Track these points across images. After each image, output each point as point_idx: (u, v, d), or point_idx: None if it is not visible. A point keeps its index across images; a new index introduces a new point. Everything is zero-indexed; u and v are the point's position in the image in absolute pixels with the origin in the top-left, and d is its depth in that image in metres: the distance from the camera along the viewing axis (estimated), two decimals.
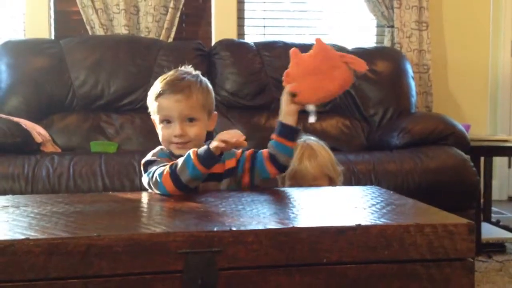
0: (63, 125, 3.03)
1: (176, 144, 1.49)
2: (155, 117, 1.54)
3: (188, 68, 1.57)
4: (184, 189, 1.34)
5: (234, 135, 1.36)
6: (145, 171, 1.46)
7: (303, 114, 1.47)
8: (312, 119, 1.44)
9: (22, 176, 2.31)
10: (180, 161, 1.36)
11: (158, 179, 1.36)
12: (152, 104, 1.53)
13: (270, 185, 1.61)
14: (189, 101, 1.49)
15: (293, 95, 1.43)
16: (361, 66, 1.48)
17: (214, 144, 1.34)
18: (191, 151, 1.36)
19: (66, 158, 2.41)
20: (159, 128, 1.53)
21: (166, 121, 1.50)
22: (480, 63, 3.97)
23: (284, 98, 1.45)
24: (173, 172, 1.34)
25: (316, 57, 1.47)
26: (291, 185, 1.71)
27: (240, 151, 1.54)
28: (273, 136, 1.48)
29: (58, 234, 0.94)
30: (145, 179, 1.43)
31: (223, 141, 1.34)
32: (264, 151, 1.50)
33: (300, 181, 1.72)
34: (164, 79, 1.52)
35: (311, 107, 1.44)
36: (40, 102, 3.04)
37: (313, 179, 1.72)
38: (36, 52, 3.13)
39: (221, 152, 1.37)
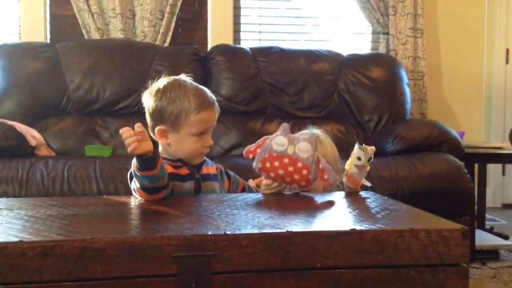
0: (58, 128, 3.02)
1: (204, 154, 1.56)
2: (178, 128, 1.50)
3: (188, 77, 1.59)
4: (158, 191, 1.36)
5: (127, 135, 1.32)
6: (132, 179, 1.45)
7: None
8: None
9: (16, 179, 2.30)
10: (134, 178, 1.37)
11: (137, 195, 1.39)
12: (182, 117, 1.49)
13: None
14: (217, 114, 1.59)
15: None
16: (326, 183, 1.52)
17: (130, 150, 1.31)
18: (133, 165, 1.36)
19: (61, 162, 2.40)
20: (187, 140, 1.50)
21: (201, 133, 1.52)
22: (474, 71, 3.98)
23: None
24: (140, 188, 1.36)
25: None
26: None
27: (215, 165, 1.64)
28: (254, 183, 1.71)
29: (52, 236, 0.94)
30: (132, 188, 1.45)
31: (129, 143, 1.31)
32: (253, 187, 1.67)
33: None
34: (196, 91, 1.52)
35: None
36: (35, 105, 3.03)
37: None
38: (32, 55, 3.12)
39: (151, 149, 1.33)
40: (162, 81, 1.55)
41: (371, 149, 1.49)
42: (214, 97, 1.57)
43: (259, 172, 1.49)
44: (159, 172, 1.35)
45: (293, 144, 1.45)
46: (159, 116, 1.52)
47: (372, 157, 1.49)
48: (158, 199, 1.36)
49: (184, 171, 1.51)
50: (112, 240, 0.92)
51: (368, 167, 1.50)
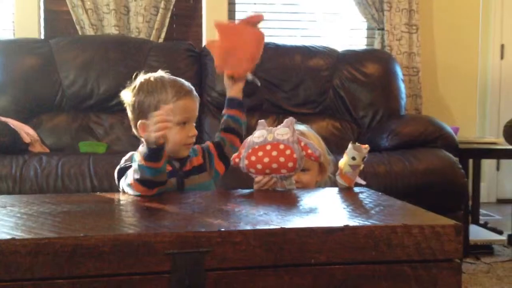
0: (52, 125, 3.01)
1: (189, 145, 1.55)
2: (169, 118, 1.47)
3: (163, 72, 1.59)
4: (156, 185, 1.36)
5: (158, 119, 1.32)
6: (120, 177, 1.46)
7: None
8: (256, 82, 1.68)
9: (9, 176, 2.29)
10: (134, 169, 1.36)
11: (130, 190, 1.38)
12: (160, 107, 1.47)
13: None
14: (198, 104, 1.59)
15: (231, 77, 1.64)
16: (259, 17, 1.61)
17: (152, 138, 1.32)
18: (136, 156, 1.37)
19: (54, 159, 2.39)
20: (173, 131, 1.48)
21: (183, 123, 1.52)
22: (469, 66, 3.99)
23: (227, 83, 1.67)
24: (138, 180, 1.34)
25: (224, 40, 1.60)
26: None
27: (200, 147, 1.63)
28: (226, 111, 1.68)
29: (45, 234, 0.93)
30: (122, 184, 1.44)
31: (159, 129, 1.32)
32: (222, 134, 1.66)
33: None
34: (172, 82, 1.53)
35: (249, 76, 1.66)
36: (29, 102, 3.02)
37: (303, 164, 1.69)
38: (25, 51, 3.11)
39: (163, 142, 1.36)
40: (139, 78, 1.57)
41: (365, 148, 1.49)
42: (192, 87, 1.57)
43: (247, 171, 1.48)
44: (162, 166, 1.36)
45: (271, 132, 1.47)
46: (139, 110, 1.52)
47: (367, 156, 1.49)
48: (152, 194, 1.35)
49: (167, 168, 1.50)
50: (105, 237, 0.92)
51: (362, 166, 1.50)
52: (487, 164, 4.05)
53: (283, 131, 1.47)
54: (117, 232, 0.95)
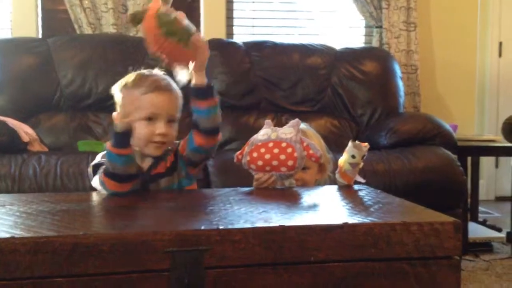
0: (50, 124, 3.01)
1: (156, 143, 1.47)
2: (132, 114, 1.47)
3: (157, 70, 1.57)
4: (126, 179, 1.36)
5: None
6: (95, 173, 1.45)
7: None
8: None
9: (8, 175, 2.29)
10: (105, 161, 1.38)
11: (102, 187, 1.38)
12: (131, 101, 1.48)
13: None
14: (176, 102, 1.51)
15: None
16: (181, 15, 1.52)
17: (118, 124, 1.38)
18: (106, 145, 1.38)
19: (53, 158, 2.39)
20: (138, 126, 1.46)
21: (148, 118, 1.47)
22: (467, 64, 3.99)
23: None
24: (106, 172, 1.36)
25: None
26: None
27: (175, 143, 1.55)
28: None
29: (44, 233, 0.93)
30: (95, 181, 1.44)
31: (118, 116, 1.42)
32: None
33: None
34: (148, 78, 1.51)
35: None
36: (27, 101, 3.02)
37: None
38: (23, 51, 3.11)
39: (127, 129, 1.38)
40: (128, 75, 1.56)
41: (365, 146, 1.49)
42: (172, 85, 1.51)
43: (248, 167, 1.49)
44: (130, 154, 1.36)
45: (276, 131, 1.49)
46: (117, 103, 1.53)
47: (366, 154, 1.49)
48: (124, 191, 1.35)
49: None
50: (104, 235, 0.92)
51: (362, 164, 1.50)
52: (486, 162, 4.06)
53: (287, 130, 1.49)
54: (117, 231, 0.95)
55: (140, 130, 1.47)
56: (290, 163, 1.45)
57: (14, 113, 2.90)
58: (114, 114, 1.52)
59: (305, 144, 1.47)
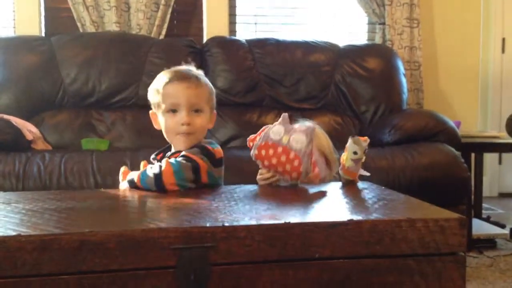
0: (54, 122, 3.01)
1: (183, 134, 1.48)
2: (158, 109, 1.52)
3: (191, 66, 1.58)
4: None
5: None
6: None
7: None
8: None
9: (13, 173, 2.30)
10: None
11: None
12: (155, 95, 1.52)
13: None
14: (197, 90, 1.50)
15: None
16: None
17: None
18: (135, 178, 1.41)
19: (57, 156, 2.40)
20: (164, 119, 1.50)
21: (172, 110, 1.49)
22: (470, 60, 3.99)
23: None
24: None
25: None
26: None
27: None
28: None
29: (50, 230, 0.94)
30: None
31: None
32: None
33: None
34: (170, 70, 1.53)
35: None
36: (30, 99, 3.02)
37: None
38: (27, 49, 3.11)
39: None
40: None
41: (365, 140, 1.48)
42: (192, 73, 1.52)
43: (255, 160, 1.48)
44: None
45: (288, 134, 1.43)
46: (150, 103, 1.56)
47: (367, 148, 1.49)
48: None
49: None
50: (111, 233, 0.92)
51: (364, 158, 1.50)
52: (489, 158, 4.05)
53: (300, 138, 1.43)
54: (123, 228, 0.95)
55: (166, 123, 1.50)
56: (294, 175, 1.44)
57: (17, 111, 2.91)
58: (150, 113, 1.57)
59: (313, 159, 1.44)
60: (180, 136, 1.49)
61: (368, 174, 1.51)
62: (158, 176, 1.35)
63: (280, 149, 1.43)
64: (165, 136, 1.54)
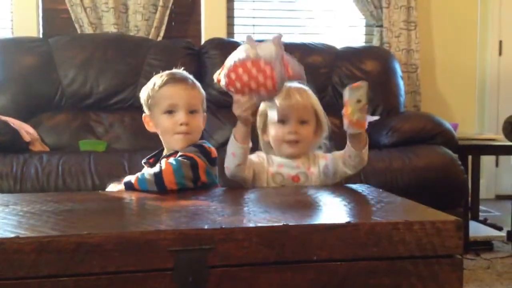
0: (52, 124, 3.01)
1: (180, 133, 1.50)
2: (153, 111, 1.53)
3: (181, 70, 1.60)
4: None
5: None
6: None
7: None
8: None
9: (10, 175, 2.29)
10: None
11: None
12: (150, 97, 1.53)
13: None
14: (194, 91, 1.54)
15: None
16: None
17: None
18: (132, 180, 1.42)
19: (55, 157, 2.40)
20: (161, 121, 1.51)
21: (169, 111, 1.50)
22: (468, 63, 4.00)
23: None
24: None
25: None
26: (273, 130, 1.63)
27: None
28: None
29: (48, 232, 0.94)
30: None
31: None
32: None
33: (288, 118, 1.61)
34: (164, 73, 1.55)
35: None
36: (28, 100, 3.02)
37: (303, 114, 1.63)
38: (24, 50, 3.11)
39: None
40: None
41: (362, 83, 1.39)
42: (187, 76, 1.56)
43: (228, 90, 1.38)
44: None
45: (255, 48, 1.32)
46: (143, 105, 1.58)
47: (368, 90, 1.39)
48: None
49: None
50: (108, 235, 0.93)
51: (367, 102, 1.40)
52: (486, 161, 4.06)
53: (267, 46, 1.31)
54: (121, 230, 0.95)
55: (163, 124, 1.52)
56: (269, 84, 1.31)
57: (15, 112, 2.90)
58: (143, 116, 1.58)
59: (284, 60, 1.32)
60: (178, 135, 1.51)
61: (376, 117, 1.43)
62: (158, 175, 1.36)
63: (249, 64, 1.31)
64: (161, 137, 1.56)
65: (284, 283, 0.97)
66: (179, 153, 1.46)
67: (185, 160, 1.41)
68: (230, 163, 1.50)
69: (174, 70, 1.58)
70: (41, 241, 0.91)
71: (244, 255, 0.96)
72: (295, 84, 1.68)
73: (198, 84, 1.58)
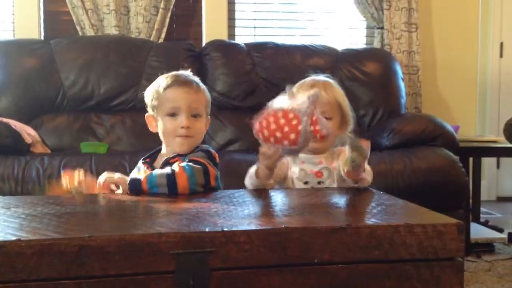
0: (53, 126, 3.01)
1: (181, 136, 1.50)
2: (156, 112, 1.54)
3: (187, 72, 1.61)
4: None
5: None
6: None
7: None
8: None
9: (12, 177, 2.30)
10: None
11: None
12: (154, 98, 1.54)
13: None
14: (197, 95, 1.54)
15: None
16: None
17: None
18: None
19: (56, 159, 2.40)
20: (163, 123, 1.53)
21: (171, 114, 1.51)
22: (469, 65, 4.00)
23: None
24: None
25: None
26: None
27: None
28: None
29: (50, 235, 0.94)
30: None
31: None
32: None
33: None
34: (170, 75, 1.55)
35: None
36: (30, 102, 3.02)
37: (327, 110, 1.61)
38: (26, 52, 3.11)
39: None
40: None
41: (365, 144, 1.40)
42: (192, 79, 1.56)
43: (257, 137, 1.37)
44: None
45: (291, 100, 1.34)
46: (147, 104, 1.58)
47: (368, 153, 1.42)
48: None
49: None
50: (110, 237, 0.93)
51: (366, 160, 1.42)
52: (487, 162, 4.06)
53: (301, 99, 1.34)
54: (122, 233, 0.95)
55: (165, 126, 1.53)
56: (292, 136, 1.31)
57: (17, 114, 2.91)
58: (146, 116, 1.59)
59: (314, 118, 1.32)
60: (179, 138, 1.51)
61: (370, 173, 1.44)
62: (171, 179, 1.36)
63: (280, 114, 1.32)
64: (161, 138, 1.57)
65: (285, 286, 0.97)
66: (189, 157, 1.46)
67: (198, 166, 1.41)
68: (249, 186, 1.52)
69: (180, 72, 1.59)
70: (43, 243, 0.91)
71: (245, 258, 0.96)
72: (320, 78, 1.69)
73: (203, 87, 1.59)
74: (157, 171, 1.41)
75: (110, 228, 1.03)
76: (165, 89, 1.52)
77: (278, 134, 1.32)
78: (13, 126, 2.63)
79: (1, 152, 2.42)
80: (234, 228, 0.98)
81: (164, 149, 1.58)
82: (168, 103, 1.52)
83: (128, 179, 1.42)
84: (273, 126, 1.33)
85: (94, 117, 3.09)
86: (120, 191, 1.44)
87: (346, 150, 1.43)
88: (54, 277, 0.90)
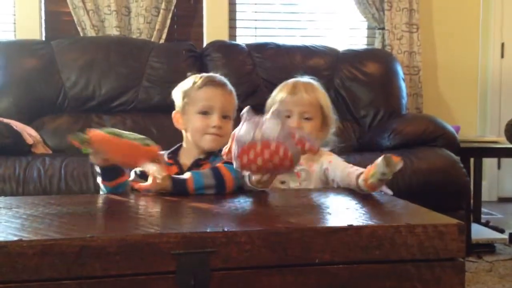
0: (54, 126, 3.01)
1: (212, 135, 1.53)
2: (188, 109, 1.56)
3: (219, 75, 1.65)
4: None
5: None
6: None
7: None
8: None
9: (13, 177, 2.30)
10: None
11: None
12: (185, 96, 1.57)
13: None
14: (230, 97, 1.59)
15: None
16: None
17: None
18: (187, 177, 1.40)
19: (57, 160, 2.40)
20: (194, 120, 1.55)
21: (204, 112, 1.54)
22: (470, 65, 4.00)
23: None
24: None
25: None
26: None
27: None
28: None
29: (51, 235, 0.94)
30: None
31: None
32: None
33: (292, 113, 1.64)
34: (203, 75, 1.60)
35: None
36: (31, 103, 3.03)
37: (307, 110, 1.63)
38: (27, 53, 3.11)
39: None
40: None
41: (398, 161, 1.38)
42: (225, 81, 1.61)
43: (242, 171, 1.35)
44: (115, 186, 1.43)
45: (258, 128, 1.28)
46: (175, 102, 1.61)
47: (399, 169, 1.38)
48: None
49: (173, 170, 1.52)
50: (111, 238, 0.93)
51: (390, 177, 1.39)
52: (488, 163, 4.06)
53: (271, 124, 1.28)
54: (123, 233, 0.95)
55: (195, 123, 1.55)
56: (286, 163, 1.27)
57: (18, 115, 2.91)
58: (173, 113, 1.62)
59: (297, 136, 1.29)
60: (209, 136, 1.55)
61: (390, 192, 1.41)
62: (220, 179, 1.38)
63: (259, 147, 1.26)
64: (189, 135, 1.58)
65: (286, 286, 0.97)
66: (220, 160, 1.46)
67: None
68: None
69: (213, 74, 1.63)
70: (44, 244, 0.91)
71: (246, 258, 0.96)
72: (303, 79, 1.70)
73: (234, 92, 1.63)
74: (201, 172, 1.41)
75: (111, 228, 1.04)
76: (200, 87, 1.56)
77: (270, 166, 1.29)
78: (14, 127, 2.63)
79: (2, 153, 2.42)
80: (235, 229, 0.99)
81: (185, 145, 1.60)
82: (201, 102, 1.55)
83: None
84: (259, 161, 1.27)
85: (95, 117, 3.09)
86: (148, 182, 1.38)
87: (378, 164, 1.39)
88: (55, 277, 0.91)
